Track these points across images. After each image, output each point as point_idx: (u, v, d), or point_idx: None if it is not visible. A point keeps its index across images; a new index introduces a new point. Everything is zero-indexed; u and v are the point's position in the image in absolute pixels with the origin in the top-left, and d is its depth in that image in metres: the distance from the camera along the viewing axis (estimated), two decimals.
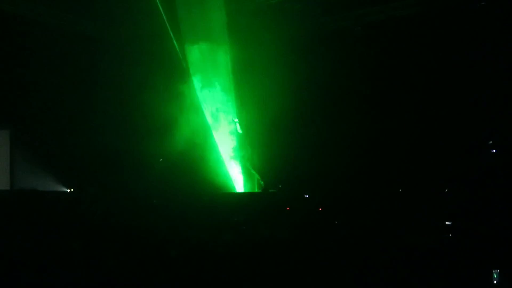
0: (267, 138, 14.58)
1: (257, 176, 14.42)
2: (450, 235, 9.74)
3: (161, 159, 14.66)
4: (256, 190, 14.49)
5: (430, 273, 7.02)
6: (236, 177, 14.70)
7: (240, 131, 14.46)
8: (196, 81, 14.45)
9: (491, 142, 11.06)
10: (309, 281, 6.83)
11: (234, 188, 14.63)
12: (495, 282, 6.00)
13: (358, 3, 12.97)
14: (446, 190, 11.17)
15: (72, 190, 14.64)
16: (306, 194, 12.84)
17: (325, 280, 6.88)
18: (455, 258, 7.98)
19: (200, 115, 14.33)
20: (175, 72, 14.24)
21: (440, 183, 11.32)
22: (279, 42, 14.08)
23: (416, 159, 11.77)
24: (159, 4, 13.77)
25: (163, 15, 13.96)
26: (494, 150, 11.07)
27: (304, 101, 13.48)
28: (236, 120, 14.33)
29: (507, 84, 10.75)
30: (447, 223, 10.08)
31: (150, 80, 14.74)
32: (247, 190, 14.58)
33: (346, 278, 6.92)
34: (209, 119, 14.57)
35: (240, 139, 14.82)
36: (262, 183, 14.23)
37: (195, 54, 14.28)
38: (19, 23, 13.67)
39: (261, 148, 14.81)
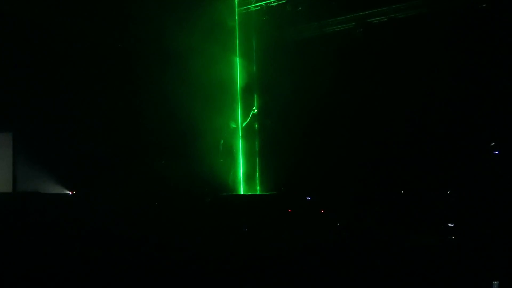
0: (269, 141, 14.60)
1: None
2: (453, 237, 9.72)
3: (163, 161, 14.66)
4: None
5: (431, 274, 7.00)
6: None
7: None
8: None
9: (493, 143, 11.02)
10: (311, 282, 6.82)
11: (236, 189, 14.64)
12: None
13: (360, 5, 12.96)
14: (448, 192, 11.14)
15: (74, 192, 14.63)
16: (308, 197, 12.83)
17: (327, 281, 6.87)
18: (456, 260, 7.97)
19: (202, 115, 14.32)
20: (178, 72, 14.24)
21: (442, 185, 11.29)
22: (280, 44, 14.12)
23: (418, 161, 11.74)
24: None
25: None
26: (497, 152, 11.03)
27: (306, 103, 13.48)
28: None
29: (508, 84, 10.74)
30: (449, 225, 10.06)
31: (152, 82, 14.75)
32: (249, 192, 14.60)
33: (347, 280, 6.90)
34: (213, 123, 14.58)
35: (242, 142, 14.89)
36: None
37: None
38: (20, 25, 13.69)
39: (263, 151, 14.84)
